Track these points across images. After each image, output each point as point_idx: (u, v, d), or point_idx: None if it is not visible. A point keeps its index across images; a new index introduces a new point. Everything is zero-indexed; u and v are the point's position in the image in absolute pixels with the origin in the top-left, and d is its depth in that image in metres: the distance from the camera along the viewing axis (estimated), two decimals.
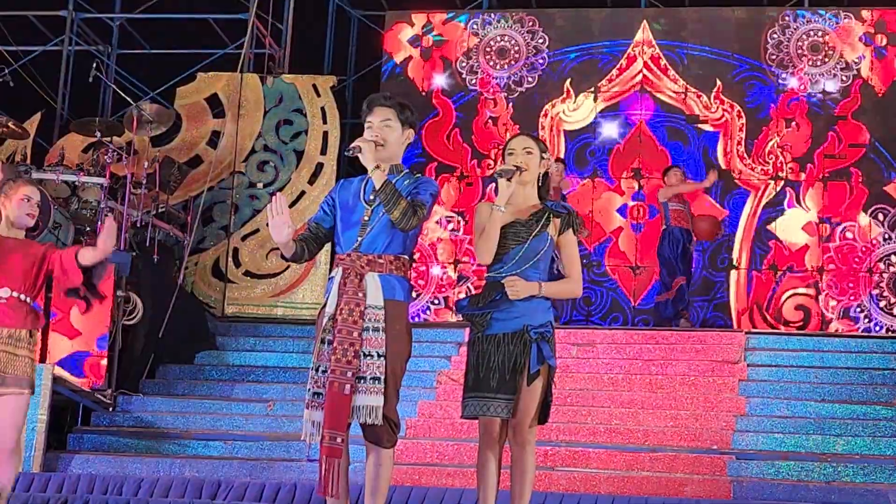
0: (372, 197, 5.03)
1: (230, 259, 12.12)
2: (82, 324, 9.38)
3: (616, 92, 12.78)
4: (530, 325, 5.14)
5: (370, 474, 4.95)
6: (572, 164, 12.61)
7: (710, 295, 12.24)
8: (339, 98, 12.91)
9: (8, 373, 5.81)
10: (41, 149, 12.35)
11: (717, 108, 12.58)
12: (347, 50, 14.63)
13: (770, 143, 12.44)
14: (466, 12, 13.40)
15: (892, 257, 12.04)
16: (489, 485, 5.14)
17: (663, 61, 12.76)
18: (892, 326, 11.80)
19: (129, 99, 11.60)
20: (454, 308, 11.84)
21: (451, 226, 12.68)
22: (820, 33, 12.62)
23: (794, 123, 12.47)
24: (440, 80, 13.04)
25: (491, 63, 13.02)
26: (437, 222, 12.65)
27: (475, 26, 13.18)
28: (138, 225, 10.75)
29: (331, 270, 5.14)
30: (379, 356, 4.87)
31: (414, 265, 10.33)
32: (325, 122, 12.58)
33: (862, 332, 11.74)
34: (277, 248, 6.40)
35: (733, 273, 12.29)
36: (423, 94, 13.01)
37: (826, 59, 12.54)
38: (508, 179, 5.20)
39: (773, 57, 12.63)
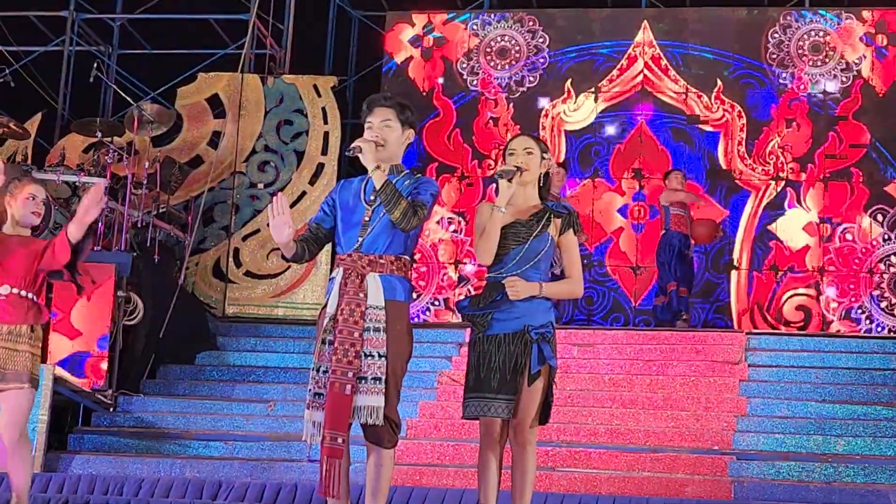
0: (372, 197, 5.03)
1: (231, 259, 12.12)
2: (83, 324, 9.38)
3: (617, 92, 12.78)
4: (531, 326, 5.14)
5: (371, 475, 4.95)
6: (576, 163, 12.61)
7: (711, 297, 12.24)
8: (339, 98, 12.91)
9: (8, 369, 5.83)
10: (42, 149, 12.35)
11: (718, 108, 12.58)
12: (348, 50, 14.63)
13: (771, 144, 12.44)
14: (467, 12, 13.40)
15: (893, 258, 12.04)
16: (490, 485, 5.14)
17: (664, 61, 12.76)
18: (893, 327, 11.79)
19: (129, 99, 11.60)
20: (455, 308, 11.85)
21: (452, 227, 12.67)
22: (821, 33, 12.61)
23: (794, 124, 12.47)
24: (441, 81, 13.04)
25: (492, 63, 13.02)
26: (437, 223, 12.65)
27: (475, 27, 13.18)
28: (139, 225, 10.74)
29: (331, 271, 5.14)
30: (380, 356, 4.87)
31: (415, 265, 10.35)
32: (325, 122, 12.58)
33: (863, 332, 11.74)
34: (278, 249, 6.42)
35: (734, 273, 12.29)
36: (424, 94, 13.01)
37: (827, 60, 12.54)
38: (509, 180, 5.20)
39: (774, 57, 12.63)
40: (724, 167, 12.47)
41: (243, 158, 12.46)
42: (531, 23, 13.10)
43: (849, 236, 12.12)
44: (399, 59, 13.23)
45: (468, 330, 5.47)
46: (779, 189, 12.35)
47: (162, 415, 9.45)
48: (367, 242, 4.99)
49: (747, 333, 10.53)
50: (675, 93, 12.68)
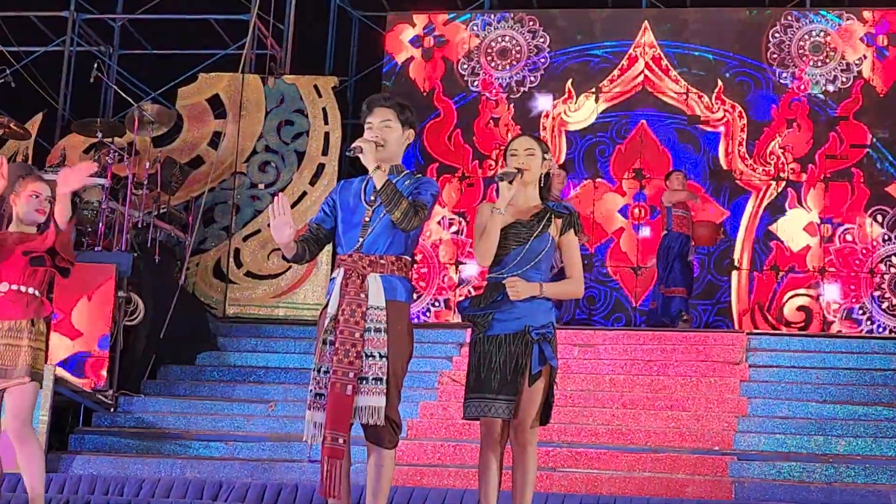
0: (373, 198, 5.03)
1: (231, 260, 12.12)
2: (83, 324, 9.38)
3: (617, 92, 12.78)
4: (532, 326, 5.13)
5: (371, 475, 4.95)
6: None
7: (713, 299, 12.24)
8: (340, 99, 12.91)
9: (9, 365, 5.83)
10: (42, 149, 12.35)
11: (719, 108, 12.58)
12: (349, 50, 14.63)
13: (771, 144, 12.44)
14: (468, 13, 13.40)
15: (893, 258, 12.04)
16: (491, 486, 5.14)
17: (664, 62, 12.76)
18: (894, 327, 11.79)
19: (130, 99, 11.61)
20: (455, 309, 11.85)
21: (454, 228, 12.67)
22: (822, 34, 12.61)
23: (795, 124, 12.47)
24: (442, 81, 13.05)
25: (492, 64, 13.02)
26: (438, 223, 12.65)
27: (476, 27, 13.18)
28: (140, 226, 10.74)
29: (332, 271, 5.14)
30: (381, 357, 4.86)
31: (415, 266, 10.34)
32: (326, 122, 12.58)
33: (862, 332, 11.74)
34: (279, 249, 6.42)
35: (734, 274, 12.29)
36: (425, 94, 13.01)
37: (827, 60, 12.54)
38: (510, 182, 5.20)
39: (775, 57, 12.63)
40: (724, 168, 12.46)
41: (244, 159, 12.47)
42: (531, 23, 13.10)
43: (848, 237, 12.11)
44: (400, 59, 13.23)
45: (469, 330, 5.46)
46: (779, 189, 12.34)
47: (162, 415, 9.45)
48: (368, 243, 4.99)
49: (748, 334, 10.53)
50: (675, 93, 12.68)
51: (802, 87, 12.53)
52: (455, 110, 12.99)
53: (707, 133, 12.57)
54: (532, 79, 12.94)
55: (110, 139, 10.91)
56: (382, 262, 4.97)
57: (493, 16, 13.25)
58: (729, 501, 7.72)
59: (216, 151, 12.46)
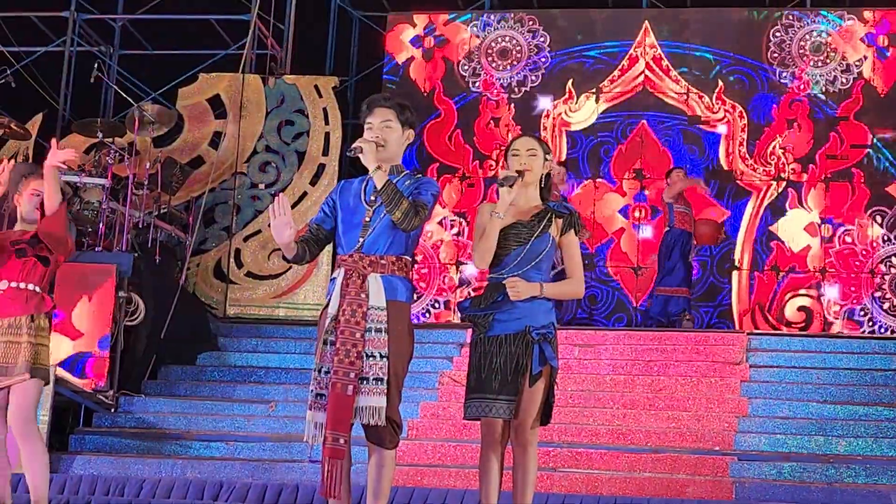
0: (373, 198, 5.03)
1: (232, 260, 12.12)
2: (84, 325, 9.39)
3: (618, 93, 12.78)
4: (532, 326, 5.13)
5: (372, 475, 4.95)
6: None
7: (715, 301, 12.23)
8: (340, 99, 12.91)
9: (10, 363, 5.82)
10: (43, 149, 12.30)
11: (720, 108, 12.57)
12: (349, 51, 14.62)
13: (772, 144, 12.43)
14: (468, 13, 13.39)
15: (894, 259, 12.03)
16: (491, 486, 5.14)
17: (665, 62, 12.75)
18: (894, 328, 11.79)
19: (130, 100, 11.61)
20: (455, 309, 11.85)
21: (455, 230, 12.66)
22: (822, 34, 12.61)
23: (795, 124, 12.46)
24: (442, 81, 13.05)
25: (493, 64, 13.02)
26: (439, 223, 12.64)
27: (476, 28, 13.17)
28: (140, 226, 10.74)
29: (332, 271, 5.14)
30: (381, 357, 4.86)
31: (416, 266, 10.33)
32: (326, 122, 12.58)
33: (864, 333, 11.73)
34: (279, 249, 6.42)
35: (735, 274, 12.29)
36: (425, 94, 13.00)
37: (828, 60, 12.54)
38: (510, 186, 5.19)
39: (775, 57, 12.62)
40: (725, 168, 12.46)
41: (244, 159, 12.47)
42: (531, 23, 13.10)
43: (848, 238, 12.11)
44: (400, 59, 13.23)
45: (469, 330, 5.47)
46: (780, 190, 12.34)
47: (163, 415, 9.45)
48: (368, 243, 4.99)
49: (748, 334, 10.53)
50: (676, 93, 12.67)
51: (803, 87, 12.52)
52: (455, 110, 12.98)
53: (708, 133, 12.56)
54: (533, 79, 12.93)
55: (111, 139, 10.91)
56: (383, 262, 4.97)
57: (493, 16, 13.24)
58: (729, 502, 7.72)
59: (216, 151, 12.46)
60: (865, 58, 12.50)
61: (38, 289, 5.95)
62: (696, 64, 12.75)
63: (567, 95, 12.81)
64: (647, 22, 12.95)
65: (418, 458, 8.35)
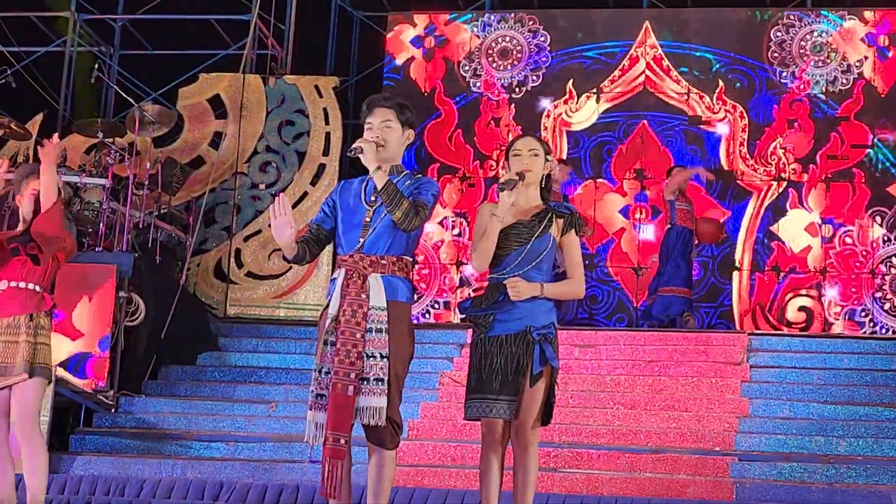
0: (373, 198, 5.03)
1: (232, 260, 12.11)
2: (84, 325, 9.38)
3: (618, 93, 12.77)
4: (533, 327, 5.13)
5: (373, 476, 4.95)
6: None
7: (716, 302, 12.23)
8: (341, 99, 12.90)
9: (9, 362, 5.81)
10: None
11: (720, 109, 12.57)
12: (349, 51, 14.62)
13: (772, 145, 12.43)
14: (469, 13, 13.39)
15: (894, 259, 12.03)
16: (492, 486, 5.13)
17: (665, 62, 12.75)
18: (895, 328, 11.78)
19: (131, 100, 11.60)
20: (456, 310, 11.85)
21: (456, 230, 12.66)
22: (823, 34, 12.60)
23: (796, 124, 12.46)
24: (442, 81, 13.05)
25: (493, 64, 13.01)
26: (440, 223, 12.64)
27: (476, 27, 13.17)
28: (140, 226, 10.74)
29: (333, 272, 5.14)
30: (382, 357, 4.86)
31: (417, 267, 10.34)
32: (327, 122, 12.58)
33: (865, 333, 11.72)
34: (279, 250, 6.41)
35: (735, 274, 12.28)
36: (426, 94, 13.00)
37: (829, 60, 12.53)
38: (511, 189, 5.19)
39: (776, 57, 12.62)
40: (726, 168, 12.45)
41: (245, 159, 12.46)
42: (531, 22, 13.09)
43: (848, 240, 12.10)
44: (400, 59, 13.22)
45: (470, 331, 5.46)
46: (780, 190, 12.33)
47: (163, 416, 9.45)
48: (369, 243, 4.99)
49: (749, 334, 10.52)
50: (676, 93, 12.67)
51: (803, 87, 12.52)
52: (456, 111, 12.98)
53: (709, 133, 12.55)
54: (533, 79, 12.93)
55: (111, 139, 10.90)
56: (383, 262, 4.97)
57: (492, 16, 13.23)
58: (730, 502, 7.72)
59: (217, 152, 12.45)
60: (866, 58, 12.50)
61: (38, 288, 5.95)
62: (697, 64, 12.74)
63: (567, 96, 12.80)
64: (647, 22, 12.94)
65: (419, 459, 8.35)
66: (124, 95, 11.79)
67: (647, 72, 12.75)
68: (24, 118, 11.84)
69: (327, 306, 5.00)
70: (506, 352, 5.12)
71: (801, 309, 12.09)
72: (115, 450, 8.96)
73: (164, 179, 11.10)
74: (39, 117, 12.25)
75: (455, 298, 12.36)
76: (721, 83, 12.60)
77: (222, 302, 11.91)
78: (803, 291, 12.12)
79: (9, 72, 12.43)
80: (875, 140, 12.28)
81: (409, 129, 5.17)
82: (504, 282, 5.17)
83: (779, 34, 12.66)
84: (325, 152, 12.47)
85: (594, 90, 12.78)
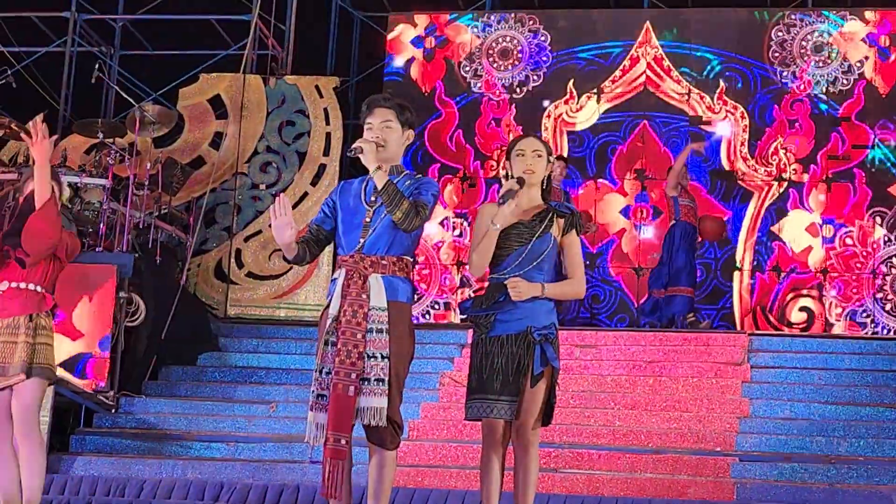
0: (373, 198, 5.03)
1: (233, 260, 12.11)
2: (85, 325, 9.38)
3: (619, 93, 12.77)
4: (534, 327, 5.12)
5: (373, 476, 4.95)
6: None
7: (718, 304, 12.22)
8: (341, 99, 12.90)
9: (7, 362, 5.81)
10: None
11: (721, 109, 12.56)
12: (350, 51, 14.61)
13: (773, 145, 12.42)
14: (469, 13, 13.38)
15: (895, 259, 12.02)
16: (493, 487, 5.13)
17: (666, 62, 12.74)
18: None
19: (131, 100, 11.60)
20: (457, 310, 11.84)
21: (457, 231, 12.65)
22: (824, 34, 12.60)
23: (797, 125, 12.45)
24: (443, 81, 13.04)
25: (494, 64, 13.01)
26: (440, 223, 12.64)
27: (476, 28, 13.16)
28: (141, 226, 10.73)
29: (333, 272, 5.13)
30: (383, 357, 4.86)
31: (417, 267, 10.33)
32: (327, 123, 12.58)
33: (866, 334, 11.72)
34: (280, 250, 6.40)
35: (736, 274, 12.28)
36: (426, 95, 12.99)
37: (829, 60, 12.53)
38: (512, 199, 5.16)
39: (777, 56, 12.61)
40: (726, 168, 12.45)
41: (245, 159, 12.46)
42: (531, 22, 13.09)
43: (849, 241, 12.09)
44: (401, 59, 13.21)
45: (470, 331, 5.46)
46: (781, 190, 12.33)
47: (164, 416, 9.45)
48: (369, 244, 4.98)
49: (750, 335, 10.52)
50: (677, 94, 12.66)
51: (804, 87, 12.51)
52: (456, 111, 12.97)
53: (710, 134, 12.55)
54: (534, 79, 12.92)
55: (111, 140, 10.90)
56: (384, 262, 4.97)
57: (493, 17, 13.23)
58: (731, 502, 7.72)
59: (217, 152, 12.45)
60: (867, 58, 12.49)
61: (38, 288, 5.94)
62: (698, 64, 12.73)
63: (568, 96, 12.79)
64: (648, 22, 12.93)
65: (419, 459, 8.35)
66: (125, 96, 11.79)
67: (648, 72, 12.75)
68: (25, 118, 11.82)
69: (328, 307, 5.00)
70: (506, 352, 5.11)
71: (802, 309, 12.08)
72: (116, 450, 8.96)
73: (165, 180, 11.09)
74: (39, 118, 12.20)
75: (455, 299, 12.35)
76: (722, 83, 12.59)
77: (223, 302, 11.91)
78: (804, 292, 12.12)
79: (9, 72, 12.43)
80: (876, 140, 12.27)
81: (409, 130, 5.16)
82: (505, 282, 5.16)
83: (779, 34, 12.66)
84: (326, 152, 12.47)
85: (595, 90, 12.77)
